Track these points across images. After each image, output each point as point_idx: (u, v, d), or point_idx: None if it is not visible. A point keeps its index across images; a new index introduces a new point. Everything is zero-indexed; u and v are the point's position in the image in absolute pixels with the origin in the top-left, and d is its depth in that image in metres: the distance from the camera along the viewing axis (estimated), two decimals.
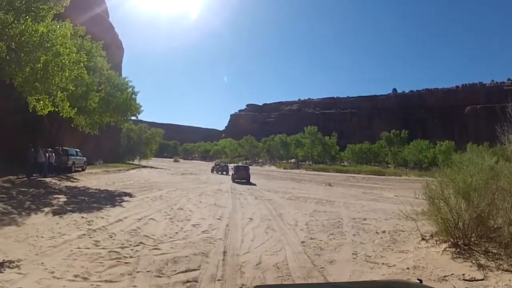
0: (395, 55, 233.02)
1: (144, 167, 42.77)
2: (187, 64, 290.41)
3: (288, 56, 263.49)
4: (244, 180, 27.52)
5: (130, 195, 15.57)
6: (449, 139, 69.84)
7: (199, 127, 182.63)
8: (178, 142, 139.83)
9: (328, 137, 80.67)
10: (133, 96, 23.90)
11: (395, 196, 22.25)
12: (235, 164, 38.67)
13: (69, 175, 22.61)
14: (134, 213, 11.11)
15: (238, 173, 28.60)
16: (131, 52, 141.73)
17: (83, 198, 14.01)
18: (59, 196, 14.09)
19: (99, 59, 21.52)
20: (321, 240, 8.84)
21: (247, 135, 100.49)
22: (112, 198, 14.37)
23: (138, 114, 24.61)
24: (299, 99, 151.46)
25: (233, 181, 27.37)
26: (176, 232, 8.75)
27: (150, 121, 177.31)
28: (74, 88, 20.80)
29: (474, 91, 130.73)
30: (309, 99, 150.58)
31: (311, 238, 8.99)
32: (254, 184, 27.05)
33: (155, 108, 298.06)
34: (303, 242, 8.51)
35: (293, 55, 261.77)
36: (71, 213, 10.75)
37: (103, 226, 9.12)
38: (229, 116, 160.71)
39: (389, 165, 77.87)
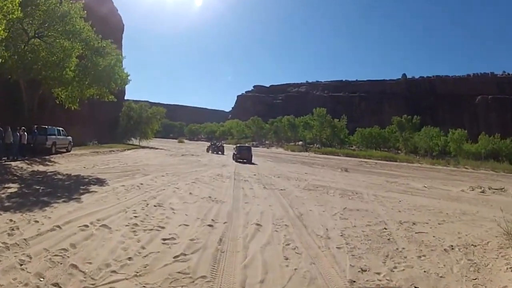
0: (405, 40, 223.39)
1: (143, 147, 39.14)
2: (194, 47, 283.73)
3: (296, 38, 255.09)
4: (246, 160, 27.36)
5: (102, 182, 11.84)
6: (459, 128, 66.22)
7: (205, 108, 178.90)
8: (184, 123, 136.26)
9: (338, 119, 76.29)
10: (118, 63, 19.73)
11: (425, 187, 19.09)
12: (238, 144, 37.37)
13: (46, 157, 18.95)
14: (87, 213, 7.37)
15: (241, 153, 28.35)
16: (138, 35, 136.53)
17: (39, 187, 10.31)
18: (12, 185, 10.45)
19: (78, 21, 17.41)
20: (378, 273, 5.04)
21: (253, 117, 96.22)
22: (76, 188, 10.63)
23: (125, 84, 20.50)
24: (307, 81, 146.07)
25: (236, 161, 27.16)
26: (129, 258, 4.94)
27: (156, 101, 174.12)
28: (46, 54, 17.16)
29: (486, 81, 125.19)
30: (317, 81, 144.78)
31: (362, 269, 5.17)
32: (261, 168, 23.32)
33: (161, 89, 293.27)
34: (352, 281, 4.67)
35: (302, 37, 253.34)
36: (4, 211, 7.13)
37: (25, 240, 5.43)
38: (235, 98, 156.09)
39: (398, 151, 73.32)
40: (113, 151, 28.24)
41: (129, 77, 20.99)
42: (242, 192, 11.73)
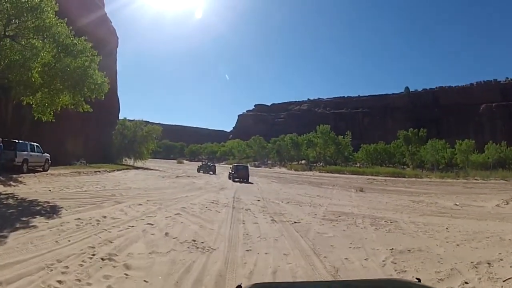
0: (406, 53, 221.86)
1: (136, 168, 35.91)
2: (193, 66, 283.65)
3: (297, 55, 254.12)
4: (244, 180, 26.87)
5: (55, 212, 8.72)
6: (464, 139, 64.07)
7: (206, 129, 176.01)
8: (185, 143, 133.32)
9: (342, 136, 73.32)
10: (92, 65, 16.62)
11: (456, 205, 16.74)
12: (235, 164, 36.57)
13: (14, 176, 15.83)
14: None
15: (238, 172, 27.90)
16: (137, 55, 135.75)
17: None
18: None
19: (49, 14, 14.53)
20: None
21: (255, 136, 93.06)
22: (16, 219, 7.83)
23: (102, 92, 17.33)
24: (308, 99, 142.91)
25: (233, 181, 26.69)
26: None
27: (157, 122, 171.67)
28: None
29: (489, 88, 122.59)
30: (319, 98, 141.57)
31: None
32: (266, 191, 20.03)
33: (162, 110, 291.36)
34: None
35: (302, 54, 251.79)
36: None
37: None
38: (236, 117, 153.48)
39: (403, 166, 70.71)
40: (99, 171, 25.02)
41: (106, 83, 17.69)
42: (242, 229, 8.35)
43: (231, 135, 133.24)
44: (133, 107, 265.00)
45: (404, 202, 17.69)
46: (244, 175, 27.41)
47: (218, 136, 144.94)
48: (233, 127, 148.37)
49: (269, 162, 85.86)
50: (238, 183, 24.26)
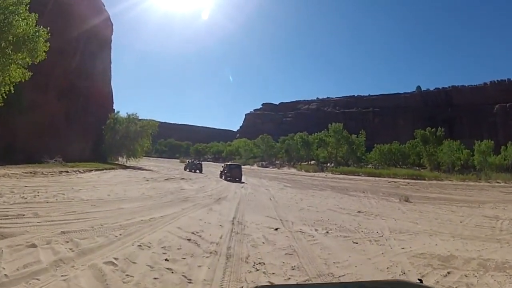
0: (418, 50, 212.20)
1: (126, 168, 30.19)
2: (201, 65, 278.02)
3: (305, 54, 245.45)
4: (237, 179, 25.99)
5: None
6: (478, 139, 59.93)
7: (213, 128, 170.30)
8: (191, 143, 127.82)
9: (356, 135, 67.28)
10: (20, 8, 10.50)
11: None
12: (228, 163, 34.69)
13: None
14: None
15: (231, 171, 26.90)
16: (144, 54, 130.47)
17: None
18: None
19: None
20: None
21: (263, 134, 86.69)
22: None
23: (41, 53, 11.14)
24: (317, 98, 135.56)
25: (225, 179, 26.04)
26: None
27: (163, 121, 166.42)
28: None
29: (503, 88, 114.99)
30: (328, 97, 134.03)
31: None
32: (282, 202, 13.98)
33: (169, 109, 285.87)
34: None
35: (311, 52, 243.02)
36: None
37: None
38: (243, 116, 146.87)
39: (417, 167, 65.03)
40: (68, 172, 19.24)
41: (44, 38, 11.46)
42: None
43: (238, 135, 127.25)
44: (141, 106, 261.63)
45: (480, 220, 11.90)
46: (237, 175, 26.44)
47: (225, 135, 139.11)
48: (240, 126, 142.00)
49: (277, 162, 79.61)
50: (242, 190, 18.23)
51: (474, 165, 56.66)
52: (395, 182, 39.97)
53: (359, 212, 12.11)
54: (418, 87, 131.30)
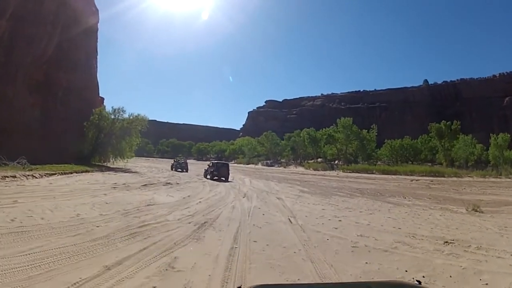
0: (424, 43, 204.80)
1: (107, 170, 25.04)
2: (203, 65, 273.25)
3: (309, 49, 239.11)
4: (224, 178, 25.26)
5: None
6: (488, 133, 56.26)
7: (216, 127, 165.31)
8: (193, 142, 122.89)
9: (366, 130, 62.09)
10: None
11: None
12: (214, 161, 32.70)
13: None
14: None
15: (219, 170, 25.99)
16: (145, 54, 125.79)
17: None
18: None
19: None
20: None
21: (267, 131, 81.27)
22: None
23: None
24: (322, 94, 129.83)
25: (212, 179, 24.97)
26: None
27: (165, 121, 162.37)
28: None
29: None
30: (333, 93, 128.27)
31: None
32: (309, 227, 8.67)
33: (171, 109, 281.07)
34: None
35: (315, 47, 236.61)
36: None
37: None
38: (247, 114, 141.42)
39: (430, 163, 60.74)
40: (17, 176, 14.11)
41: None
42: None
43: (241, 133, 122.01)
44: (141, 107, 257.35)
45: None
46: (224, 174, 25.75)
47: (229, 134, 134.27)
48: (243, 125, 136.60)
49: (282, 160, 74.18)
50: (244, 202, 12.91)
51: (488, 160, 53.27)
52: (416, 180, 35.42)
53: (445, 243, 6.80)
54: (426, 81, 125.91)
